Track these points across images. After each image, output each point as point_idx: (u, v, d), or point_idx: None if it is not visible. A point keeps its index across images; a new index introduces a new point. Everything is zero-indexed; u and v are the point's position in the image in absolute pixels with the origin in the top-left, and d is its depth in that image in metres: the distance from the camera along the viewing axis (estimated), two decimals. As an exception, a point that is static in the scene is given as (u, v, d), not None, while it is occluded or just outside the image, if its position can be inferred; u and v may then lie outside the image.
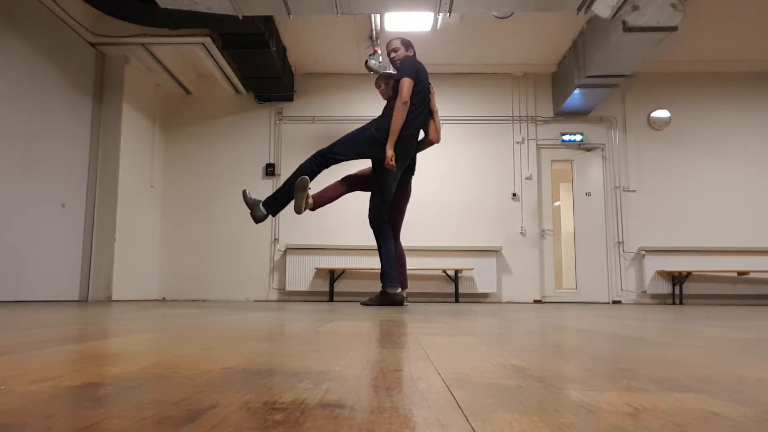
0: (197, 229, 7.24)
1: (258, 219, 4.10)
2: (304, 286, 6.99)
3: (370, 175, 4.35)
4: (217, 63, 6.28)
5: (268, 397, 0.56)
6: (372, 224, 4.25)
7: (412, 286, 6.92)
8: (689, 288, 6.94)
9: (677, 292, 6.92)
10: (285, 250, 7.11)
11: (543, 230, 7.23)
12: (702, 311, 3.79)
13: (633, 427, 0.45)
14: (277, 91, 7.21)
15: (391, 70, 4.56)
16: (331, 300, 6.85)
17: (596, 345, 1.16)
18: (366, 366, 0.80)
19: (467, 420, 0.47)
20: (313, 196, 4.21)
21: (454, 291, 6.93)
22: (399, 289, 4.21)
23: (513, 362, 0.85)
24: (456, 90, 7.46)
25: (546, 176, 7.37)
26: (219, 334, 1.34)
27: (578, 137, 7.30)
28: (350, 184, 4.38)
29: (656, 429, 0.44)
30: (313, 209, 4.21)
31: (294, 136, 7.40)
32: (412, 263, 6.75)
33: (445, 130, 7.25)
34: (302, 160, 6.96)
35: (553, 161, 7.41)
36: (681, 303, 6.82)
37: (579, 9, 4.66)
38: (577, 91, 6.64)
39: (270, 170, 7.29)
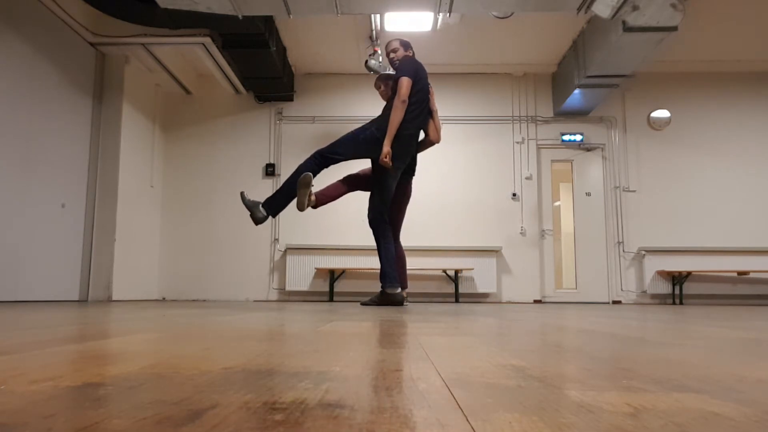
0: (197, 229, 7.24)
1: (258, 220, 4.10)
2: (304, 286, 6.99)
3: (370, 175, 4.35)
4: (217, 63, 6.28)
5: (268, 397, 0.56)
6: (371, 224, 4.25)
7: (412, 286, 6.92)
8: (689, 288, 6.94)
9: (677, 292, 6.92)
10: (285, 250, 7.11)
11: (543, 230, 7.23)
12: (702, 311, 3.79)
13: (633, 427, 0.45)
14: (277, 91, 7.21)
15: (391, 71, 4.57)
16: (331, 300, 6.85)
17: (596, 345, 1.16)
18: (366, 366, 0.80)
19: (467, 420, 0.47)
20: (316, 194, 4.21)
21: (454, 291, 6.93)
22: (399, 289, 4.21)
23: (513, 362, 0.85)
24: (456, 90, 7.46)
25: (546, 176, 7.37)
26: (219, 334, 1.34)
27: (578, 137, 7.30)
28: (351, 183, 4.38)
29: (656, 429, 0.44)
30: (315, 207, 4.22)
31: (294, 136, 7.40)
32: (412, 263, 6.75)
33: (445, 130, 7.25)
34: (302, 160, 6.98)
35: (553, 161, 7.41)
36: (681, 303, 6.82)
37: (579, 9, 4.66)
38: (577, 91, 6.64)
39: (270, 170, 7.29)
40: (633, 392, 0.60)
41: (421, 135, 4.41)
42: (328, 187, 4.31)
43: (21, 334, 1.32)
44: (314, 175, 4.10)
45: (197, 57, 6.49)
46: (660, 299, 7.09)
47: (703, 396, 0.59)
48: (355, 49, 6.90)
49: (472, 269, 6.92)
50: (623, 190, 7.26)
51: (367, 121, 4.34)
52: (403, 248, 4.55)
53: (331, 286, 6.90)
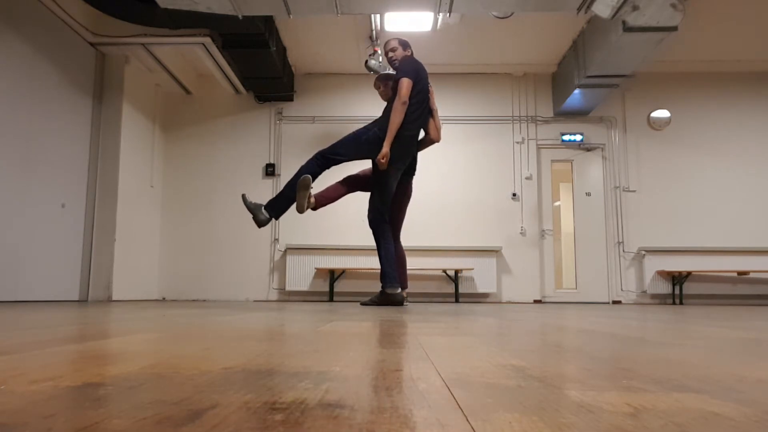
0: (197, 229, 7.24)
1: (261, 223, 4.10)
2: (304, 286, 6.99)
3: (371, 175, 4.35)
4: (217, 63, 6.28)
5: (268, 397, 0.56)
6: (371, 224, 4.25)
7: (412, 286, 6.92)
8: (689, 288, 6.94)
9: (677, 292, 6.92)
10: (285, 250, 7.11)
11: (543, 230, 7.23)
12: (702, 311, 3.79)
13: (633, 427, 0.45)
14: (277, 91, 7.21)
15: (390, 71, 4.56)
16: (331, 300, 6.85)
17: (596, 345, 1.16)
18: (366, 366, 0.80)
19: (467, 420, 0.47)
20: (315, 196, 4.21)
21: (454, 291, 6.93)
22: (399, 290, 4.21)
23: (513, 362, 0.85)
24: (456, 90, 7.46)
25: (546, 176, 7.37)
26: (219, 334, 1.34)
27: (578, 137, 7.30)
28: (351, 184, 4.38)
29: (656, 429, 0.44)
30: (314, 208, 4.22)
31: (294, 136, 7.40)
32: (412, 263, 6.75)
33: (445, 130, 7.24)
34: (302, 160, 6.97)
35: (553, 161, 7.41)
36: (681, 303, 6.82)
37: (579, 9, 4.66)
38: (577, 91, 6.64)
39: (270, 170, 7.29)
40: (633, 392, 0.60)
41: (421, 134, 4.41)
42: (327, 189, 4.31)
43: (21, 334, 1.32)
44: (316, 176, 4.10)
45: (197, 57, 6.49)
46: (660, 299, 7.09)
47: (703, 396, 0.59)
48: (355, 49, 6.90)
49: (472, 269, 6.92)
50: (623, 190, 7.26)
51: (368, 122, 4.34)
52: (403, 248, 4.55)
53: (331, 286, 6.90)
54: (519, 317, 2.51)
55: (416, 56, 4.77)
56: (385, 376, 0.70)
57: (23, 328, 1.50)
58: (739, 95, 7.37)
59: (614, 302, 7.04)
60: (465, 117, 7.40)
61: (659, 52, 6.71)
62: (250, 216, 6.71)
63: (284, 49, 6.90)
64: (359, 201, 6.31)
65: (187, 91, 7.33)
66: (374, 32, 6.36)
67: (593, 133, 7.37)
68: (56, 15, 5.36)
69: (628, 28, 5.13)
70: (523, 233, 7.17)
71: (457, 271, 6.88)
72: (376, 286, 6.89)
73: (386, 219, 4.24)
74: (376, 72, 6.15)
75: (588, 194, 7.31)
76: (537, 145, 7.36)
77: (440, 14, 5.14)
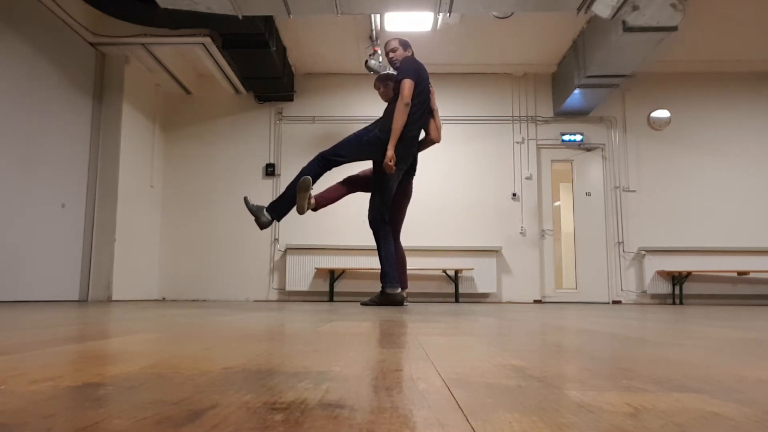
0: (197, 229, 7.24)
1: (263, 225, 4.10)
2: (304, 286, 6.99)
3: (371, 175, 4.35)
4: (217, 63, 6.28)
5: (268, 397, 0.56)
6: (371, 224, 4.25)
7: (412, 286, 6.92)
8: (689, 288, 6.94)
9: (677, 292, 6.92)
10: (285, 250, 7.11)
11: (543, 230, 7.23)
12: (702, 311, 3.79)
13: (633, 427, 0.45)
14: (277, 91, 7.21)
15: (391, 71, 4.56)
16: (331, 300, 6.85)
17: (596, 345, 1.16)
18: (366, 366, 0.80)
19: (467, 420, 0.47)
20: (315, 197, 4.21)
21: (454, 291, 6.93)
22: (399, 290, 4.21)
23: (513, 362, 0.85)
24: (456, 90, 7.46)
25: (546, 176, 7.37)
26: (219, 334, 1.34)
27: (578, 137, 7.31)
28: (352, 184, 4.38)
29: (656, 429, 0.44)
30: (315, 209, 4.22)
31: (294, 136, 7.40)
32: (412, 263, 6.75)
33: (445, 130, 7.24)
34: (302, 160, 6.99)
35: (553, 161, 7.41)
36: (681, 303, 6.82)
37: (579, 9, 4.66)
38: (577, 91, 6.64)
39: (270, 170, 7.29)
40: (633, 392, 0.60)
41: (422, 134, 4.41)
42: (327, 190, 4.31)
43: (21, 334, 1.32)
44: (317, 178, 4.10)
45: (197, 57, 6.49)
46: (660, 299, 7.09)
47: (703, 396, 0.59)
48: (355, 49, 6.90)
49: (472, 269, 6.92)
50: (623, 190, 7.26)
51: (369, 122, 4.34)
52: (403, 248, 4.56)
53: (331, 286, 6.90)
54: (519, 317, 2.51)
55: (416, 56, 4.77)
56: (385, 376, 0.70)
57: (23, 328, 1.50)
58: (739, 95, 7.37)
59: (614, 302, 7.04)
60: (465, 117, 7.40)
61: (659, 52, 6.71)
62: (252, 218, 6.73)
63: (284, 49, 6.90)
64: (359, 201, 6.31)
65: (187, 91, 7.33)
66: (374, 32, 6.36)
67: (593, 133, 7.37)
68: (56, 15, 5.36)
69: (628, 28, 5.13)
70: (523, 233, 7.17)
71: (457, 271, 6.88)
72: (376, 286, 6.89)
73: (386, 219, 4.24)
74: (376, 72, 6.15)
75: (588, 194, 7.31)
76: (537, 145, 7.36)
77: (440, 14, 5.14)
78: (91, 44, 5.93)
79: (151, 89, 6.96)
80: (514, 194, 7.24)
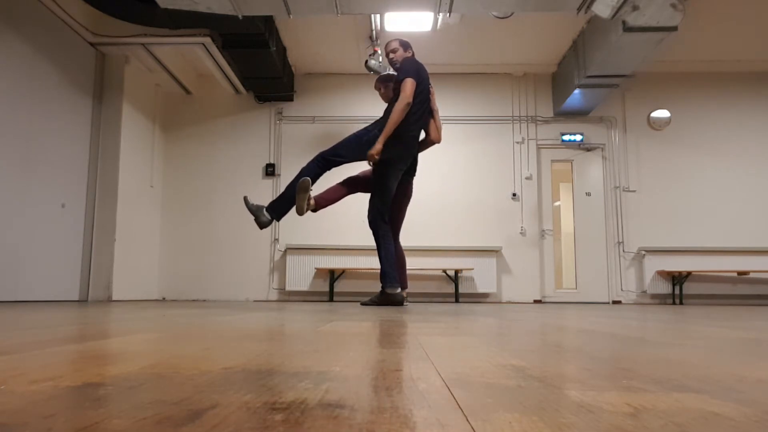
0: (197, 229, 7.24)
1: (263, 225, 4.10)
2: (304, 286, 6.99)
3: (371, 176, 4.35)
4: (217, 63, 6.28)
5: (268, 397, 0.56)
6: (371, 225, 4.25)
7: (412, 286, 6.92)
8: (689, 288, 6.94)
9: (677, 292, 6.92)
10: (285, 250, 7.11)
11: (543, 230, 7.23)
12: (702, 311, 3.79)
13: (633, 427, 0.45)
14: (277, 91, 7.21)
15: (391, 71, 4.56)
16: (331, 300, 6.85)
17: (596, 345, 1.16)
18: (366, 366, 0.80)
19: (467, 420, 0.47)
20: (315, 198, 4.21)
21: (454, 291, 6.93)
22: (399, 289, 4.21)
23: (513, 362, 0.85)
24: (456, 90, 7.46)
25: (546, 176, 7.37)
26: (219, 334, 1.34)
27: (578, 137, 7.30)
28: (351, 185, 4.38)
29: (656, 429, 0.44)
30: (314, 210, 4.22)
31: (294, 136, 7.40)
32: (412, 263, 6.75)
33: (445, 130, 7.24)
34: (302, 161, 6.99)
35: (553, 161, 7.41)
36: (681, 303, 6.82)
37: (579, 9, 4.66)
38: (577, 91, 6.64)
39: (270, 170, 7.29)
40: (633, 392, 0.60)
41: (422, 135, 4.41)
42: (327, 191, 4.31)
43: (21, 334, 1.32)
44: (317, 178, 4.10)
45: (197, 57, 6.49)
46: (660, 299, 7.09)
47: (703, 396, 0.59)
48: (355, 49, 6.90)
49: (472, 269, 6.92)
50: (623, 190, 7.26)
51: (369, 122, 4.34)
52: (403, 248, 4.56)
53: (331, 286, 6.90)
54: (519, 317, 2.51)
55: (416, 56, 4.77)
56: (385, 376, 0.70)
57: (23, 328, 1.50)
58: (739, 95, 7.37)
59: (614, 302, 7.04)
60: (465, 117, 7.40)
61: (659, 52, 6.70)
62: (252, 218, 6.73)
63: (284, 49, 6.90)
64: (359, 201, 6.31)
65: (187, 91, 7.33)
66: (374, 32, 6.36)
67: (593, 133, 7.37)
68: (56, 15, 5.36)
69: (628, 28, 5.13)
70: (523, 233, 7.17)
71: (457, 271, 6.88)
72: (376, 286, 6.89)
73: (386, 219, 4.24)
74: (376, 72, 6.15)
75: (588, 194, 7.31)
76: (537, 145, 7.36)
77: (440, 14, 5.14)
78: (91, 44, 5.93)
79: (151, 89, 6.96)
80: (514, 194, 7.24)
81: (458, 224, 7.19)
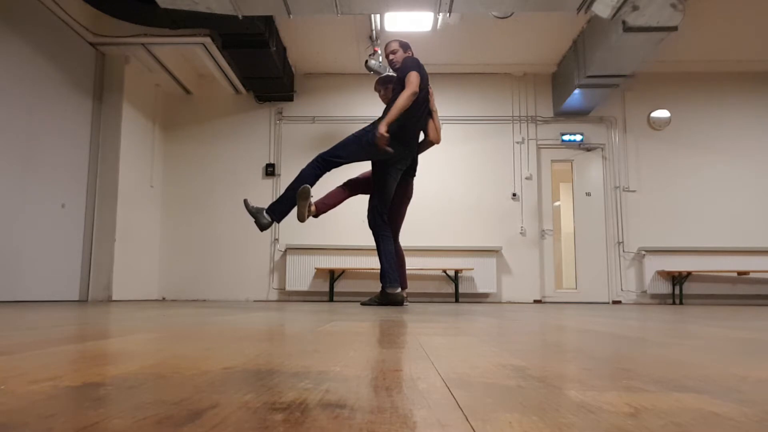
0: (197, 229, 7.24)
1: (263, 227, 4.09)
2: (304, 286, 6.99)
3: (370, 177, 4.35)
4: (217, 63, 6.28)
5: (268, 397, 0.56)
6: (371, 225, 4.25)
7: (412, 286, 6.92)
8: (689, 288, 6.94)
9: (677, 292, 6.92)
10: (285, 250, 7.11)
11: (543, 230, 7.23)
12: (702, 311, 3.79)
13: (633, 427, 0.45)
14: (277, 91, 7.21)
15: (390, 72, 4.55)
16: (331, 300, 6.85)
17: (596, 345, 1.16)
18: (366, 366, 0.80)
19: (467, 420, 0.47)
20: (316, 203, 4.21)
21: (454, 291, 6.93)
22: (399, 289, 4.21)
23: (513, 362, 0.85)
24: (456, 90, 7.46)
25: (546, 176, 7.37)
26: (219, 334, 1.34)
27: (578, 137, 7.30)
28: (352, 188, 4.38)
29: (656, 429, 0.44)
30: (316, 216, 4.22)
31: (294, 136, 7.40)
32: (412, 263, 6.75)
33: (445, 130, 7.25)
34: (302, 161, 6.99)
35: (553, 161, 7.41)
36: (681, 303, 6.82)
37: (579, 9, 4.66)
38: (577, 91, 6.64)
39: (270, 170, 7.29)
40: (633, 392, 0.60)
41: (421, 136, 4.41)
42: (327, 195, 4.31)
43: (21, 334, 1.32)
44: (317, 179, 4.10)
45: (197, 57, 6.49)
46: (660, 299, 7.09)
47: (703, 396, 0.59)
48: (355, 49, 6.90)
49: (472, 269, 6.92)
50: (623, 190, 7.26)
51: (369, 122, 4.33)
52: (403, 248, 4.56)
53: (331, 286, 6.90)
54: (519, 317, 2.51)
55: (416, 56, 4.76)
56: (385, 376, 0.70)
57: (23, 328, 1.50)
58: (739, 95, 7.37)
59: (614, 302, 7.04)
60: (465, 117, 7.40)
61: (659, 52, 6.71)
62: (252, 220, 6.73)
63: (284, 49, 6.90)
64: (359, 201, 6.32)
65: (187, 91, 7.33)
66: (374, 32, 6.36)
67: (593, 133, 7.37)
68: (56, 15, 5.36)
69: (628, 28, 5.13)
70: (523, 233, 7.17)
71: (457, 271, 6.88)
72: (376, 286, 6.89)
73: (385, 219, 4.24)
74: (376, 72, 6.15)
75: (588, 194, 7.31)
76: (537, 145, 7.36)
77: (440, 14, 5.14)
78: (91, 44, 5.93)
79: (151, 89, 6.96)
80: (514, 194, 7.24)
81: (458, 224, 7.19)
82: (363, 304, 4.31)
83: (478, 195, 7.25)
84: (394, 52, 4.34)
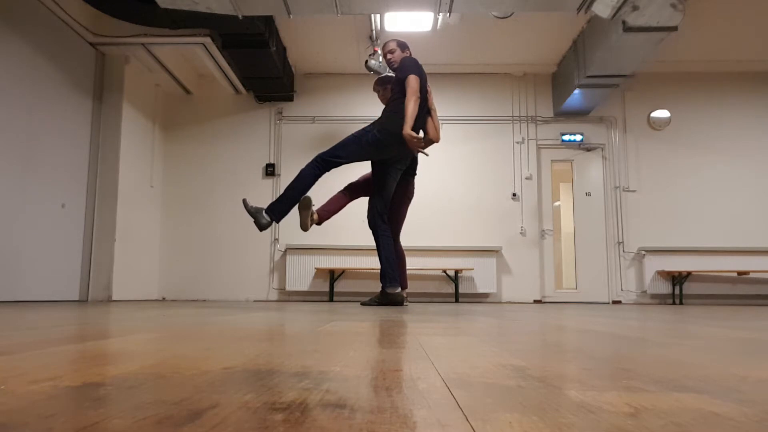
0: (197, 229, 7.24)
1: (262, 227, 4.09)
2: (304, 286, 6.99)
3: (370, 178, 4.35)
4: (217, 63, 6.28)
5: (268, 397, 0.56)
6: (371, 224, 4.25)
7: (412, 286, 6.92)
8: (689, 288, 6.94)
9: (677, 292, 6.92)
10: (285, 250, 7.11)
11: (543, 230, 7.23)
12: (702, 311, 3.79)
13: (633, 427, 0.45)
14: (277, 91, 7.21)
15: (390, 73, 4.55)
16: (331, 300, 6.85)
17: (596, 345, 1.16)
18: (366, 366, 0.80)
19: (467, 420, 0.47)
20: (318, 211, 4.21)
21: (454, 291, 6.93)
22: (399, 289, 4.21)
23: (513, 362, 0.85)
24: (456, 90, 7.46)
25: (546, 176, 7.37)
26: (219, 334, 1.34)
27: (578, 137, 7.30)
28: (353, 192, 4.39)
29: (656, 429, 0.44)
30: (319, 224, 4.23)
31: (294, 136, 7.40)
32: (412, 263, 6.75)
33: (445, 130, 7.25)
34: (302, 161, 6.99)
35: (553, 161, 7.41)
36: (681, 303, 6.82)
37: (579, 9, 4.66)
38: (577, 91, 6.64)
39: (270, 170, 7.29)
40: (633, 392, 0.60)
41: (420, 134, 4.41)
42: (329, 202, 4.31)
43: (21, 334, 1.32)
44: (316, 179, 4.10)
45: (197, 57, 6.49)
46: (660, 299, 7.09)
47: (703, 396, 0.59)
48: (355, 49, 6.90)
49: (472, 269, 6.92)
50: (623, 190, 7.26)
51: (368, 122, 4.33)
52: (403, 248, 4.55)
53: (331, 286, 6.90)
54: (519, 317, 2.51)
55: (416, 56, 4.76)
56: (385, 376, 0.70)
57: (23, 328, 1.50)
58: (739, 95, 7.37)
59: (614, 302, 7.04)
60: (465, 117, 7.40)
61: (659, 52, 6.71)
62: (251, 219, 6.73)
63: (284, 49, 6.90)
64: (359, 201, 6.31)
65: (187, 91, 7.33)
66: (374, 32, 6.36)
67: (593, 133, 7.37)
68: (56, 15, 5.36)
69: (628, 28, 5.13)
70: (523, 233, 7.17)
71: (457, 271, 6.88)
72: (376, 286, 6.89)
73: (385, 219, 4.24)
74: (376, 72, 6.15)
75: (588, 194, 7.31)
76: (537, 145, 7.36)
77: (440, 14, 5.13)
78: (91, 44, 5.93)
79: (151, 89, 6.96)
80: (514, 194, 7.24)
81: (458, 224, 7.19)
82: (363, 304, 4.31)
83: (478, 195, 7.25)
84: (391, 52, 4.34)
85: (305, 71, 7.48)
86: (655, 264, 6.99)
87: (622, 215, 7.21)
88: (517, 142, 7.35)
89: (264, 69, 6.55)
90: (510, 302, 6.84)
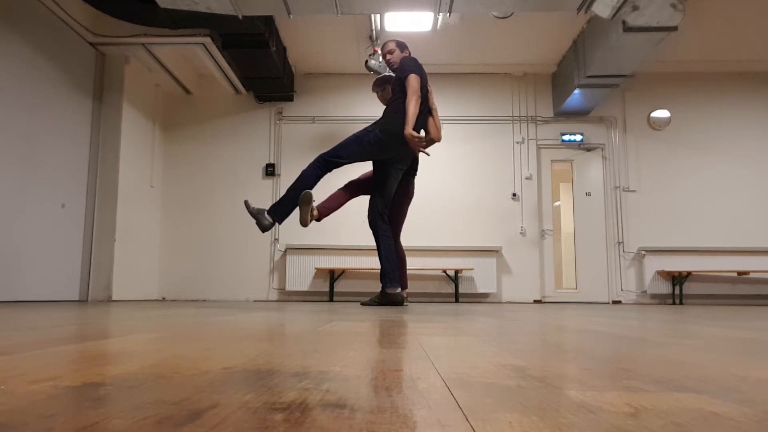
0: (197, 229, 7.24)
1: (264, 228, 4.09)
2: (304, 286, 6.99)
3: (371, 178, 4.35)
4: (217, 63, 6.28)
5: (268, 397, 0.56)
6: (371, 224, 4.25)
7: (412, 286, 6.92)
8: (689, 288, 6.94)
9: (677, 292, 6.92)
10: (285, 250, 7.11)
11: (543, 230, 7.23)
12: (702, 311, 3.79)
13: (633, 427, 0.45)
14: (277, 91, 7.21)
15: (389, 74, 4.55)
16: (331, 300, 6.85)
17: (596, 345, 1.16)
18: (366, 366, 0.80)
19: (467, 420, 0.47)
20: (318, 207, 4.21)
21: (454, 291, 6.93)
22: (399, 289, 4.21)
23: (513, 362, 0.85)
24: (456, 90, 7.46)
25: (546, 176, 7.37)
26: (219, 334, 1.34)
27: (578, 137, 7.30)
28: (353, 190, 4.38)
29: (656, 429, 0.44)
30: (318, 220, 4.23)
31: (294, 136, 7.40)
32: (412, 263, 6.75)
33: (446, 130, 7.25)
34: (302, 161, 7.00)
35: (553, 161, 7.41)
36: (681, 303, 6.82)
37: (579, 9, 4.66)
38: (577, 91, 6.64)
39: (270, 170, 7.29)
40: (633, 392, 0.60)
41: (421, 134, 4.41)
42: (329, 198, 4.30)
43: (21, 334, 1.32)
44: (318, 179, 4.10)
45: (197, 57, 6.49)
46: (660, 299, 7.09)
47: (703, 396, 0.59)
48: (355, 49, 6.90)
49: (472, 269, 6.92)
50: (623, 190, 7.26)
51: (369, 122, 4.33)
52: (404, 248, 4.55)
53: (331, 286, 6.90)
54: (519, 317, 2.51)
55: (416, 56, 4.76)
56: (385, 376, 0.70)
57: (23, 328, 1.50)
58: (739, 95, 7.37)
59: (614, 302, 7.04)
60: (465, 117, 7.40)
61: (659, 52, 6.71)
62: (253, 221, 6.73)
63: (284, 49, 6.90)
64: (359, 201, 6.31)
65: (187, 91, 7.33)
66: (374, 32, 6.36)
67: (593, 133, 7.37)
68: (56, 15, 5.36)
69: (628, 28, 5.13)
70: (523, 233, 7.17)
71: (457, 271, 6.88)
72: (376, 286, 6.89)
73: (386, 219, 4.24)
74: (376, 72, 6.15)
75: (588, 194, 7.31)
76: (537, 145, 7.36)
77: (440, 14, 5.14)
78: (91, 44, 5.93)
79: (151, 89, 6.96)
80: (514, 194, 7.24)
81: (458, 224, 7.19)
82: (363, 304, 4.31)
83: (478, 195, 7.25)
84: (391, 52, 4.34)
85: (305, 71, 7.48)
86: (655, 264, 6.99)
87: (622, 215, 7.21)
88: (517, 142, 7.35)
89: (264, 69, 6.55)
90: (510, 302, 6.84)
